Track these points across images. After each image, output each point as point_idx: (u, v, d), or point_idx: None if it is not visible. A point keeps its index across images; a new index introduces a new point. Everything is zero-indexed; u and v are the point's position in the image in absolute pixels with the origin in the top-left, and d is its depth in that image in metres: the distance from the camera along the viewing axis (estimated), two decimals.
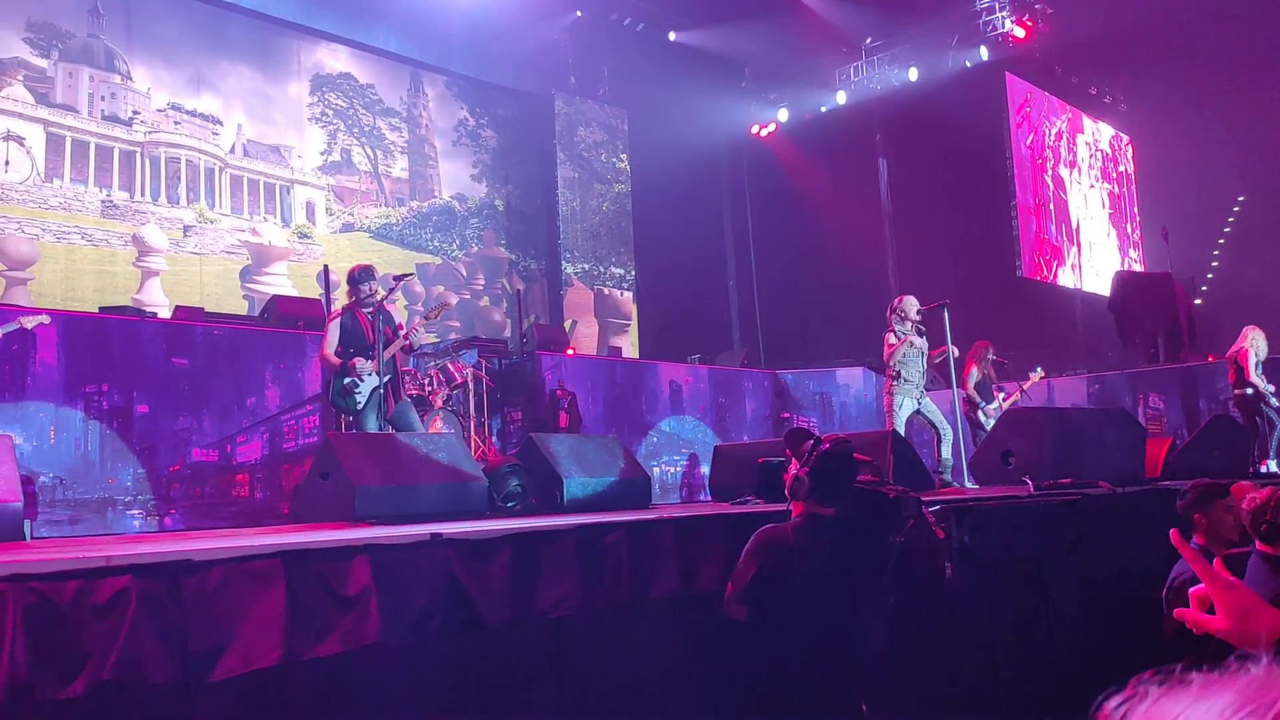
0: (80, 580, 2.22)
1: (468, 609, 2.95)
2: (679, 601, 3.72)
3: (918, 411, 8.47)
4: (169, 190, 11.60)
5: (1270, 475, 8.03)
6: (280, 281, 12.16)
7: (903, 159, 16.14)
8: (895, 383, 8.42)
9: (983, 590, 4.42)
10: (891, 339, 8.44)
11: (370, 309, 6.82)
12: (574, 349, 12.29)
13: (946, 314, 8.44)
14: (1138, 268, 17.60)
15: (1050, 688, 4.29)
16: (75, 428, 7.39)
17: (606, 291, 15.56)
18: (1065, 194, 16.53)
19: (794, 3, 14.89)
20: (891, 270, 16.17)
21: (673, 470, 11.76)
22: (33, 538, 5.61)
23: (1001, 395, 9.76)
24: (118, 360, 7.67)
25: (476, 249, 14.79)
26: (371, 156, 13.76)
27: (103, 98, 11.25)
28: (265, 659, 2.45)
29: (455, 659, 3.12)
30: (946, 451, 8.36)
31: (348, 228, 13.29)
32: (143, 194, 11.38)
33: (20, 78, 10.61)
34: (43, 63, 10.81)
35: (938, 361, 8.63)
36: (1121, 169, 18.29)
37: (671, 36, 15.58)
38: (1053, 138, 16.31)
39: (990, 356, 9.77)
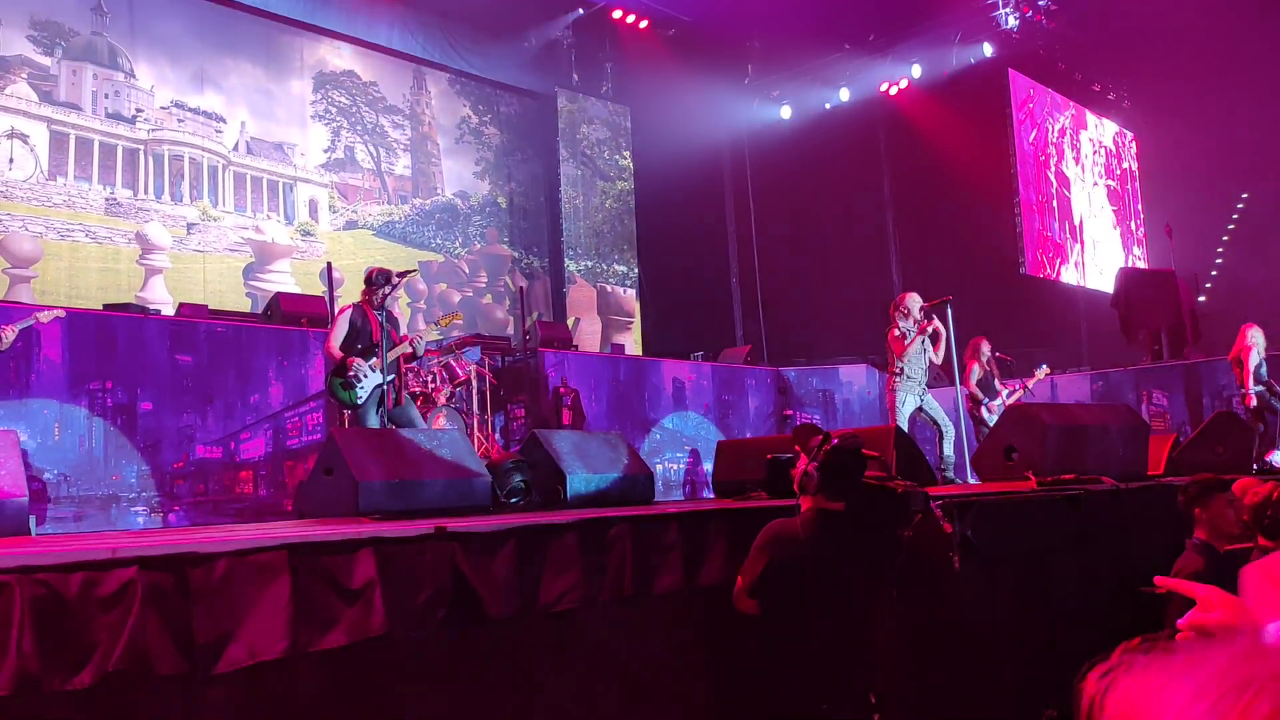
0: (87, 572, 2.23)
1: (472, 602, 2.96)
2: (683, 595, 3.73)
3: (920, 409, 8.48)
4: (172, 188, 11.61)
5: (1275, 470, 8.03)
6: (283, 279, 12.17)
7: (906, 155, 16.13)
8: (898, 380, 8.43)
9: (986, 584, 4.43)
10: (896, 333, 8.45)
11: (379, 308, 6.91)
12: (577, 344, 12.31)
13: (950, 310, 8.46)
14: (1141, 265, 17.58)
15: (1052, 681, 4.30)
16: (79, 425, 7.42)
17: (609, 289, 15.56)
18: (1068, 191, 16.51)
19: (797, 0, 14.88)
20: (894, 267, 16.17)
21: (676, 467, 11.77)
22: (37, 534, 5.63)
23: (1005, 392, 9.76)
24: (121, 357, 7.70)
25: (479, 246, 14.80)
26: (374, 154, 13.77)
27: (106, 95, 11.27)
28: (270, 651, 2.47)
29: (460, 652, 3.12)
30: (949, 449, 8.37)
31: (351, 225, 13.31)
32: (146, 192, 11.40)
33: (24, 75, 10.63)
34: (46, 60, 10.83)
35: (938, 360, 8.63)
36: (1125, 166, 18.27)
37: (673, 33, 15.57)
38: (1056, 134, 16.30)
39: (986, 351, 9.76)
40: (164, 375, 7.89)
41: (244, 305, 11.56)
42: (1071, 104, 16.82)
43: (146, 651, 2.27)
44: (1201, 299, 14.88)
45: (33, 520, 5.34)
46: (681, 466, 11.80)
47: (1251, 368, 9.00)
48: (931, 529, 3.83)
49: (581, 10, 14.88)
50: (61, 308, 6.77)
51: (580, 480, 5.51)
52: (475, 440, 9.06)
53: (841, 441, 3.61)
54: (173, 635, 2.33)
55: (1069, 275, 16.10)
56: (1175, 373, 11.55)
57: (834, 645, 3.41)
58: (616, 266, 15.70)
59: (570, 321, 14.62)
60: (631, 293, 15.84)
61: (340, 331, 6.92)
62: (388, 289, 6.98)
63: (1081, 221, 16.74)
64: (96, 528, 7.23)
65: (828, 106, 16.43)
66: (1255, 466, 8.08)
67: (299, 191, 12.85)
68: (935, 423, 8.46)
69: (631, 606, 3.60)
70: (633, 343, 15.38)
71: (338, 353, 6.83)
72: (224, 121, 12.20)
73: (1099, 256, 16.87)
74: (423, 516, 4.00)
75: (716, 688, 3.81)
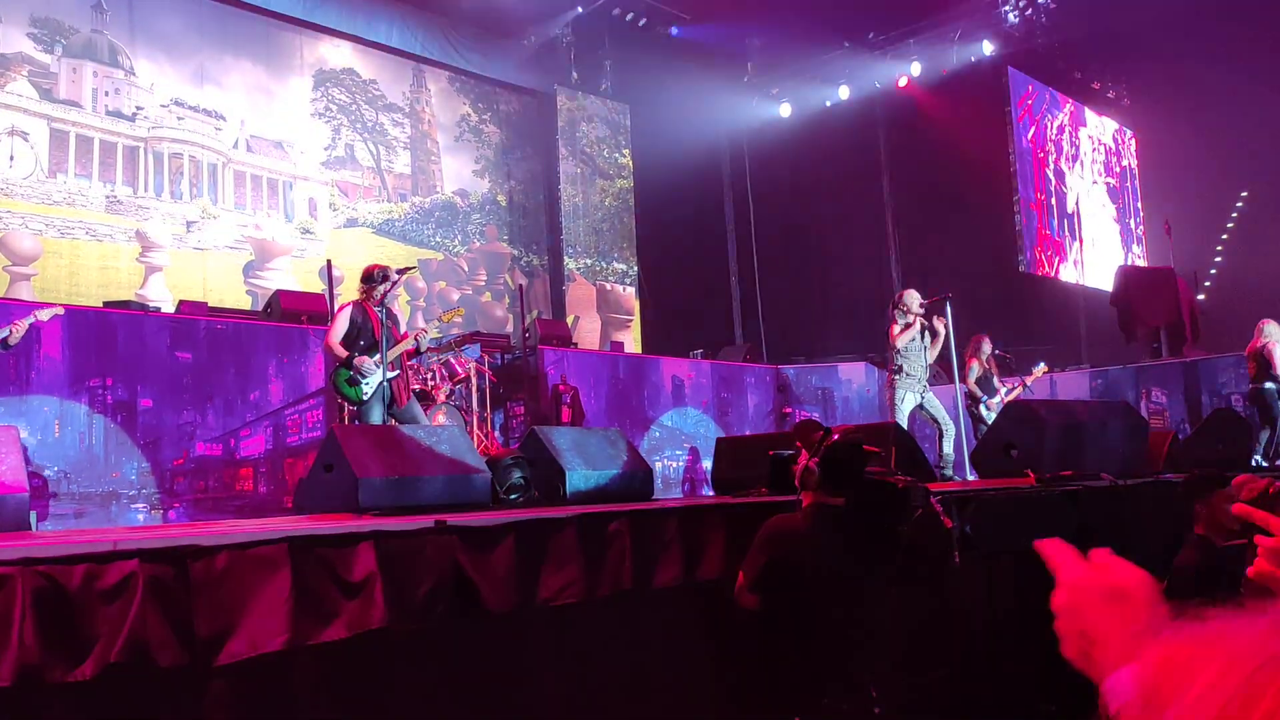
0: (88, 565, 2.24)
1: (472, 596, 2.97)
2: (683, 590, 3.74)
3: (920, 406, 8.49)
4: (172, 185, 11.62)
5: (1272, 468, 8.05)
6: (283, 277, 12.17)
7: (905, 153, 16.15)
8: (897, 377, 8.44)
9: (985, 580, 4.44)
10: (896, 328, 8.45)
11: (379, 305, 6.89)
12: (577, 342, 12.32)
13: (949, 307, 8.47)
14: (1141, 262, 17.59)
15: (1051, 677, 4.31)
16: (79, 422, 7.43)
17: (609, 287, 15.57)
18: (1067, 188, 16.53)
19: None
20: (894, 265, 16.19)
21: (675, 465, 11.78)
22: (38, 530, 5.64)
23: (1004, 389, 9.77)
24: (122, 354, 7.71)
25: (479, 244, 14.81)
26: (374, 152, 13.77)
27: (106, 93, 11.27)
28: (271, 643, 2.48)
29: (459, 646, 3.13)
30: (948, 446, 8.38)
31: (351, 223, 13.31)
32: (146, 189, 11.40)
33: (24, 73, 10.63)
34: (46, 58, 10.83)
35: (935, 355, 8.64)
36: (1125, 163, 18.28)
37: (674, 31, 15.57)
38: (1055, 132, 16.31)
39: (987, 349, 9.76)
40: (164, 372, 7.90)
41: (244, 303, 11.56)
42: (1070, 101, 16.83)
43: (148, 643, 2.28)
44: (1201, 297, 14.89)
45: (33, 516, 5.35)
46: (681, 464, 11.81)
47: (1277, 363, 8.99)
48: (931, 524, 3.84)
49: (581, 8, 14.88)
50: (61, 305, 6.76)
51: (580, 477, 5.51)
52: (475, 437, 9.06)
53: (842, 437, 3.62)
54: (174, 627, 2.34)
55: (1068, 273, 16.11)
56: (1174, 370, 11.56)
57: (834, 640, 3.43)
58: (616, 264, 15.71)
59: (570, 319, 14.63)
60: (631, 290, 15.85)
61: (340, 328, 6.88)
62: (386, 286, 6.95)
63: (1081, 219, 16.75)
64: (97, 525, 7.24)
65: (827, 104, 16.44)
66: (1253, 463, 8.10)
67: (299, 189, 12.86)
68: (935, 420, 8.47)
69: (631, 601, 3.61)
70: (632, 340, 15.39)
71: (340, 349, 6.80)
72: (224, 119, 12.20)
73: (1098, 254, 16.89)
74: (423, 512, 4.00)
75: (716, 682, 3.82)
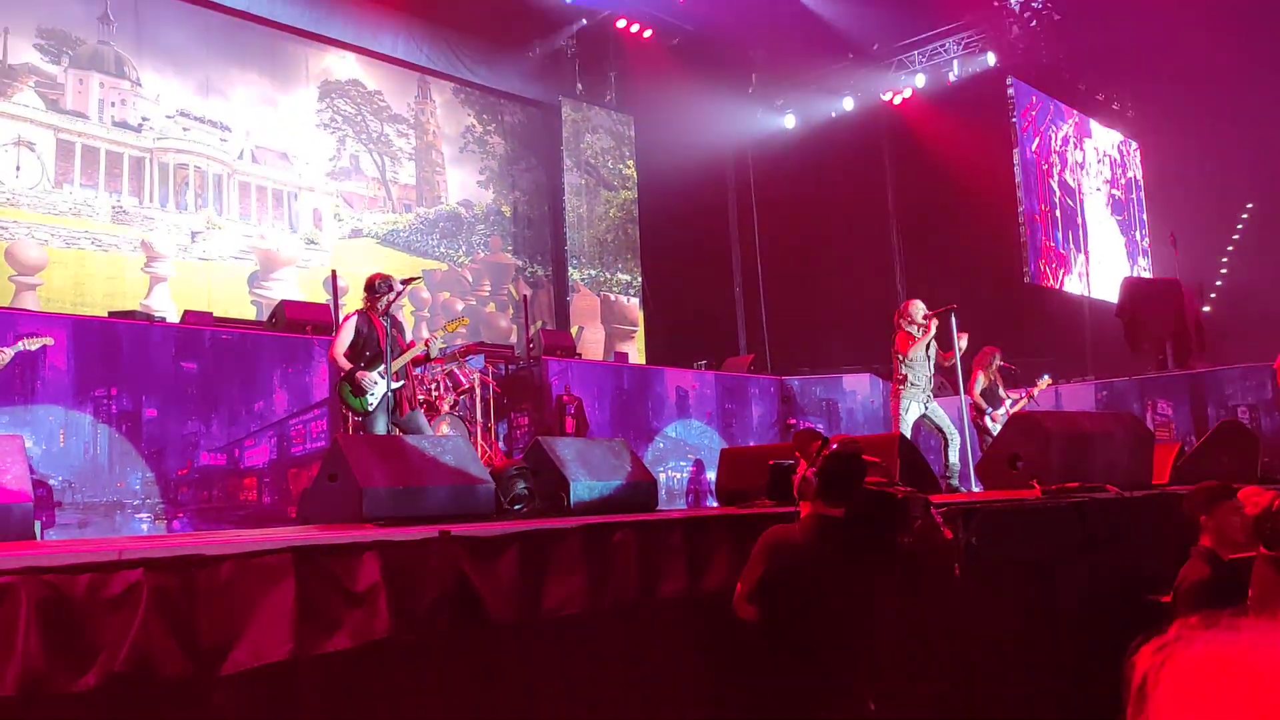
0: (93, 574, 2.24)
1: (476, 606, 2.96)
2: (687, 601, 3.72)
3: (925, 416, 8.48)
4: (178, 196, 11.65)
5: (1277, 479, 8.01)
6: (288, 287, 12.20)
7: (910, 165, 16.16)
8: (903, 387, 8.44)
9: (990, 591, 4.42)
10: (908, 340, 8.45)
11: (384, 315, 6.89)
12: (581, 353, 12.32)
13: (954, 319, 8.46)
14: (1146, 274, 17.57)
15: (1056, 689, 4.29)
16: (85, 431, 7.42)
17: (613, 297, 15.58)
18: (1072, 200, 16.53)
19: (801, 9, 14.92)
20: (899, 277, 16.19)
21: (679, 476, 11.76)
22: (42, 539, 5.63)
23: (1009, 401, 9.76)
24: (127, 364, 7.71)
25: (483, 255, 14.83)
26: (379, 163, 13.81)
27: (112, 104, 11.31)
28: (275, 653, 2.47)
29: (463, 656, 3.12)
30: (954, 457, 8.36)
31: (355, 234, 13.33)
32: (151, 200, 11.44)
33: (31, 83, 10.67)
34: (53, 69, 10.88)
35: (948, 365, 8.64)
36: (1130, 175, 18.27)
37: (677, 43, 15.61)
38: (1059, 143, 16.31)
39: (997, 363, 9.77)
40: (169, 382, 7.90)
41: (249, 313, 11.57)
42: (1075, 113, 16.84)
43: (152, 653, 2.27)
44: (1206, 309, 14.86)
45: (38, 525, 5.35)
46: (685, 475, 11.79)
47: None
48: (931, 535, 3.82)
49: (585, 20, 14.93)
50: (53, 331, 6.74)
51: (584, 487, 5.50)
52: (479, 448, 9.06)
53: (841, 447, 3.61)
54: (178, 637, 2.33)
55: (1073, 285, 16.10)
56: (1180, 382, 11.53)
57: (833, 651, 3.41)
58: (620, 275, 15.72)
59: (574, 330, 14.63)
60: (635, 301, 15.86)
61: (345, 338, 6.89)
62: (391, 296, 6.96)
63: (1085, 231, 16.74)
64: (101, 534, 7.22)
65: (833, 115, 16.46)
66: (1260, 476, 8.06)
67: (303, 200, 12.89)
68: (940, 430, 8.46)
69: (635, 612, 3.60)
70: (636, 351, 15.39)
71: (345, 360, 6.82)
72: (229, 130, 12.24)
73: (1103, 266, 16.87)
74: (426, 523, 4.00)
75: (720, 693, 3.80)
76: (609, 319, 15.47)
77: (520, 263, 15.26)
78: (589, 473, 5.65)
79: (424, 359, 7.20)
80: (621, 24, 14.99)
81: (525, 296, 14.06)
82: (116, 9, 11.40)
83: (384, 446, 5.11)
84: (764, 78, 16.68)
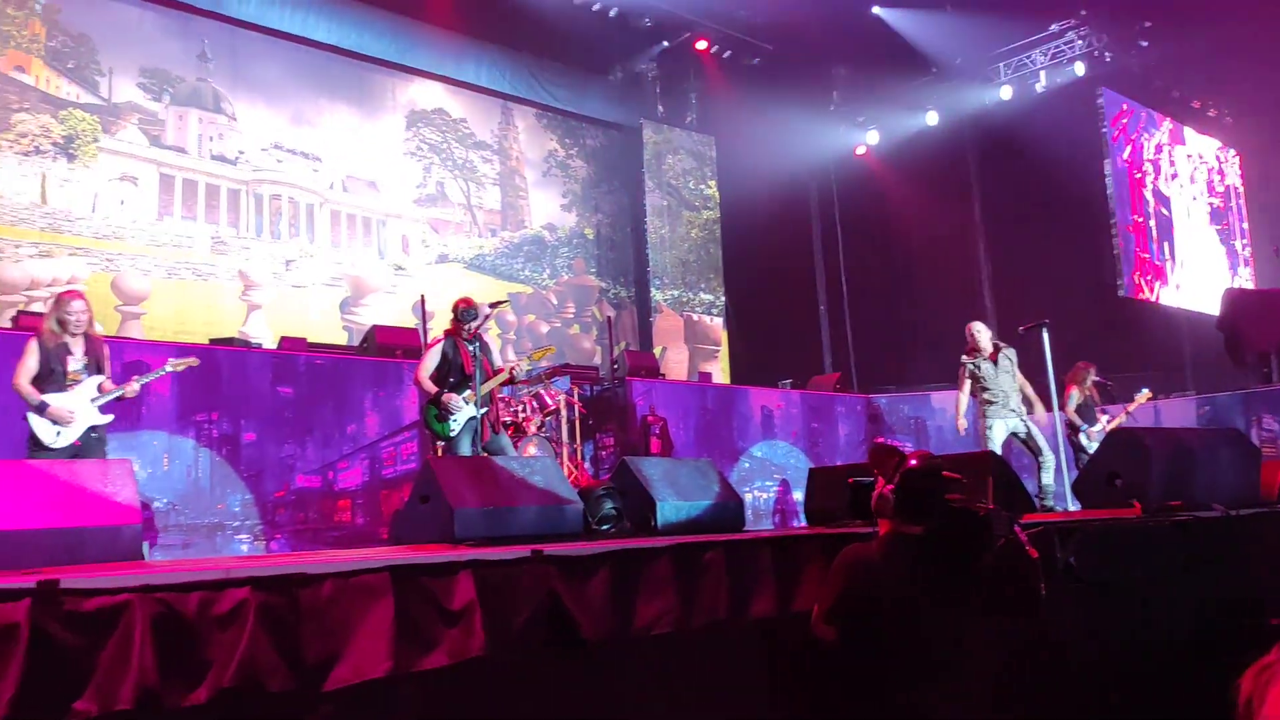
0: (203, 592, 2.31)
1: (568, 625, 2.99)
2: (778, 621, 3.70)
3: (1015, 434, 8.30)
4: (272, 226, 12.02)
5: None
6: (377, 313, 12.47)
7: (996, 178, 15.90)
8: (984, 406, 8.31)
9: (1089, 612, 4.30)
10: (962, 379, 8.42)
11: (470, 340, 7.00)
12: (665, 373, 12.34)
13: (1046, 334, 8.27)
14: (1248, 285, 16.97)
15: (1159, 712, 4.15)
16: (187, 455, 7.67)
17: (696, 318, 15.60)
18: (1167, 210, 16.06)
19: (882, 25, 14.82)
20: (986, 291, 15.90)
21: (765, 496, 11.69)
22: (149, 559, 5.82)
23: (1105, 418, 9.50)
24: (226, 390, 7.95)
25: (567, 277, 14.98)
26: (464, 189, 14.07)
27: (210, 138, 11.74)
28: (375, 670, 2.52)
29: (556, 675, 3.15)
30: (1048, 478, 8.14)
31: (442, 259, 13.59)
32: (248, 230, 11.82)
33: (134, 121, 11.13)
34: (155, 106, 11.33)
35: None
36: (1228, 183, 17.70)
37: (758, 62, 15.63)
38: (1152, 151, 15.89)
39: (1092, 378, 9.53)
40: (266, 406, 8.13)
41: (340, 338, 11.86)
42: (1169, 120, 16.39)
43: (259, 669, 2.34)
44: None
45: (146, 545, 5.54)
46: (771, 495, 11.71)
47: None
48: (1016, 554, 3.71)
49: (666, 43, 15.02)
50: (194, 357, 7.02)
51: (671, 508, 5.50)
52: (565, 469, 9.12)
53: (919, 462, 3.53)
54: (283, 653, 2.40)
55: (1169, 297, 15.63)
56: None
57: (913, 673, 3.33)
58: (703, 295, 15.73)
59: (657, 350, 14.67)
60: (718, 321, 15.85)
61: (431, 363, 7.01)
62: (477, 320, 7.06)
63: (1182, 241, 16.26)
64: (203, 555, 7.45)
65: (916, 130, 16.28)
66: None
67: (391, 227, 13.19)
68: (1032, 451, 8.26)
69: (725, 631, 3.58)
70: (720, 371, 15.37)
71: (430, 384, 6.93)
72: (320, 161, 12.60)
73: (1202, 277, 16.35)
74: (517, 543, 4.04)
75: (807, 715, 3.76)
76: (692, 339, 15.49)
77: (603, 284, 15.38)
78: (676, 493, 5.65)
79: (510, 381, 7.29)
80: (701, 45, 15.06)
81: (609, 318, 14.16)
82: (214, 47, 11.84)
83: (474, 468, 5.18)
84: (845, 94, 16.59)
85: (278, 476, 8.09)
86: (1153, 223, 15.59)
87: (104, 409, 6.09)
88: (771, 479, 11.74)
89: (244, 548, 7.77)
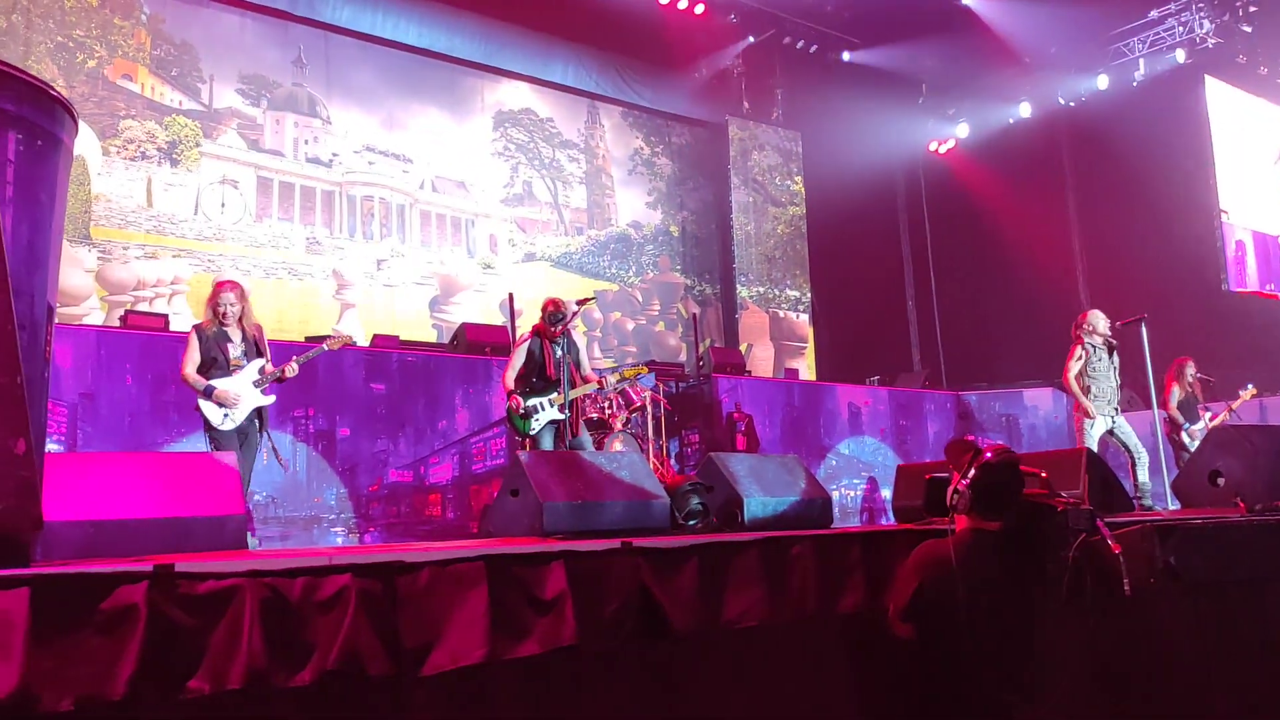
0: (307, 577, 2.40)
1: (657, 616, 3.02)
2: (867, 617, 3.68)
3: (1110, 432, 8.10)
4: (364, 226, 12.31)
5: None
6: (466, 310, 12.69)
7: (1092, 169, 15.48)
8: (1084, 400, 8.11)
9: (1191, 614, 4.19)
10: (1076, 353, 8.14)
11: (556, 340, 7.11)
12: (750, 370, 12.31)
13: (1145, 329, 8.05)
14: None
15: (1263, 718, 4.02)
16: (285, 449, 7.89)
17: (782, 314, 15.52)
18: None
19: (972, 16, 14.55)
20: (1081, 285, 15.50)
21: (852, 494, 11.59)
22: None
23: (1208, 415, 9.21)
24: (322, 386, 8.18)
25: (652, 275, 15.04)
26: (551, 188, 14.22)
27: (305, 142, 12.07)
28: (470, 656, 2.59)
29: (646, 667, 3.18)
30: (1143, 475, 7.94)
31: (529, 257, 13.75)
32: (341, 230, 12.12)
33: (233, 126, 11.51)
34: (253, 111, 11.69)
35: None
36: None
37: (845, 57, 15.48)
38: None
39: (1191, 374, 9.24)
40: (360, 403, 8.35)
41: (430, 336, 12.10)
42: (1277, 108, 15.78)
43: (360, 653, 2.42)
44: None
45: (249, 536, 5.74)
46: (859, 493, 11.61)
47: None
48: (1098, 549, 3.62)
49: (752, 38, 14.99)
50: (350, 335, 7.37)
51: (757, 503, 5.50)
52: (651, 465, 9.16)
53: (995, 456, 3.46)
54: (382, 638, 2.48)
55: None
56: None
57: (991, 670, 3.28)
58: (789, 292, 15.65)
59: (743, 347, 14.65)
60: (804, 318, 15.75)
61: (518, 361, 7.17)
62: (564, 321, 7.17)
63: None
64: (300, 547, 7.67)
65: (1009, 122, 15.95)
66: None
67: (480, 226, 13.39)
68: (1126, 448, 8.05)
69: (814, 626, 3.58)
70: (806, 368, 15.27)
71: (512, 384, 7.11)
72: (411, 162, 12.86)
73: None
74: (604, 537, 4.09)
75: (892, 710, 3.73)
76: (778, 336, 15.41)
77: (689, 281, 15.40)
78: (763, 489, 5.65)
79: (602, 387, 7.44)
80: (787, 40, 14.98)
81: (694, 315, 14.17)
82: (309, 53, 12.18)
83: (562, 463, 5.25)
84: (934, 87, 16.33)
85: (371, 471, 8.29)
86: None
87: (266, 390, 6.41)
88: (859, 476, 11.64)
89: (339, 540, 7.98)
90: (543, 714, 2.91)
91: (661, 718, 3.18)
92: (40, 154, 2.55)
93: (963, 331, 16.11)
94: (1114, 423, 8.09)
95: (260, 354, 6.47)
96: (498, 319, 12.18)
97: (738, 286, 15.18)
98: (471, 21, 13.19)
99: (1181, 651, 4.14)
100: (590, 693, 3.02)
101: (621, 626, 2.93)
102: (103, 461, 4.61)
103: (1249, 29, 14.10)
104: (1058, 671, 3.51)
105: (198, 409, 6.22)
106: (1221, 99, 14.65)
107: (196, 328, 6.39)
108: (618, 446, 8.94)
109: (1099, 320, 8.23)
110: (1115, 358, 8.19)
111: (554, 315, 7.15)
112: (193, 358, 6.25)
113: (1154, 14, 14.27)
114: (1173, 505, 7.14)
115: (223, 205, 11.27)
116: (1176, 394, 9.14)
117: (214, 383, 6.19)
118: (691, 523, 5.49)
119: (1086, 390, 8.08)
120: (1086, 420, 8.06)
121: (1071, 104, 15.33)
